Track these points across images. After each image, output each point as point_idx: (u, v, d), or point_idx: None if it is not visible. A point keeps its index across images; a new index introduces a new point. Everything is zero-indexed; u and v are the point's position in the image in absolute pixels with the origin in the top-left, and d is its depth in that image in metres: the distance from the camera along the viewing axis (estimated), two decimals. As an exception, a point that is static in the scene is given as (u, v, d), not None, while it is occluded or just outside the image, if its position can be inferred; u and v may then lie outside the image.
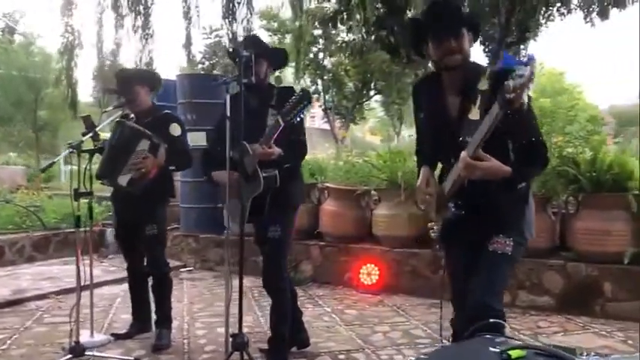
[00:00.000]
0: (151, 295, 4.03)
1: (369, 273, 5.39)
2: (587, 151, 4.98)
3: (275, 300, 3.36)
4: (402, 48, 7.57)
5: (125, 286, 5.61)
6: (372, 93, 14.85)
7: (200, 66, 12.38)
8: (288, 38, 14.22)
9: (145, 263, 3.88)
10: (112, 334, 3.98)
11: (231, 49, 3.15)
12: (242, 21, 6.38)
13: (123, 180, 3.60)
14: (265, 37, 17.71)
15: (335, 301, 5.00)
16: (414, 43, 2.37)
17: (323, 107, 17.83)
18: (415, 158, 2.74)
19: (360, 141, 29.16)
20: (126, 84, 3.77)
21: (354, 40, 7.85)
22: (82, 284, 3.56)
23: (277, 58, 3.40)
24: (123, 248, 4.01)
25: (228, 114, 3.03)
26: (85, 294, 5.20)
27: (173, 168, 3.77)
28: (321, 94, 16.36)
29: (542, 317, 4.48)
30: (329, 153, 9.17)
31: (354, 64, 10.56)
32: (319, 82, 16.29)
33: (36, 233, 6.96)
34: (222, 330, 4.24)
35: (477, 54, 9.81)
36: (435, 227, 2.47)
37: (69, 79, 5.90)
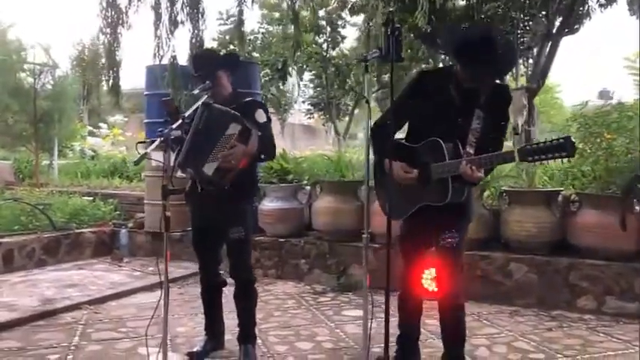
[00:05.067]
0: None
1: (434, 278, 4.97)
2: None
3: (454, 314, 3.03)
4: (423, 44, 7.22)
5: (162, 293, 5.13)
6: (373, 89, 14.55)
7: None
8: (291, 29, 13.65)
9: (230, 269, 3.37)
10: (188, 354, 3.45)
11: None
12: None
13: (209, 169, 3.10)
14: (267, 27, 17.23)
15: (407, 310, 4.55)
16: None
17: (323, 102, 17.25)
18: None
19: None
20: (209, 67, 3.28)
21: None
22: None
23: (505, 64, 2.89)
24: (200, 255, 3.47)
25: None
26: (127, 302, 4.75)
27: (263, 157, 3.31)
28: (326, 87, 15.85)
29: (636, 326, 4.15)
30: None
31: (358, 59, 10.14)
32: (323, 76, 15.75)
33: (45, 235, 6.29)
34: (303, 345, 3.80)
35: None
36: None
37: (111, 60, 5.23)
